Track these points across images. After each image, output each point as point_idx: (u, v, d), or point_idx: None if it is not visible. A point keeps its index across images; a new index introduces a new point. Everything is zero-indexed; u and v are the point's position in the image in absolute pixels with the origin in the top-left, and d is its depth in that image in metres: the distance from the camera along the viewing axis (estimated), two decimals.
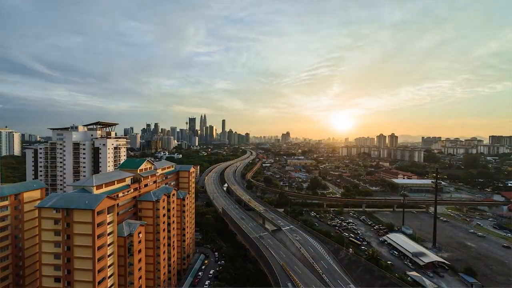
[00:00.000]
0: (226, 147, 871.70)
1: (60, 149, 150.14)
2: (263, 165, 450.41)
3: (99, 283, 58.77)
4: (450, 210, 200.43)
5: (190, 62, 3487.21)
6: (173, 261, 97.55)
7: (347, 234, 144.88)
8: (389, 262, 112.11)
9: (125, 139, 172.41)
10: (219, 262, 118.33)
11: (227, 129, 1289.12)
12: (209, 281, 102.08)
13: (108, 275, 62.57)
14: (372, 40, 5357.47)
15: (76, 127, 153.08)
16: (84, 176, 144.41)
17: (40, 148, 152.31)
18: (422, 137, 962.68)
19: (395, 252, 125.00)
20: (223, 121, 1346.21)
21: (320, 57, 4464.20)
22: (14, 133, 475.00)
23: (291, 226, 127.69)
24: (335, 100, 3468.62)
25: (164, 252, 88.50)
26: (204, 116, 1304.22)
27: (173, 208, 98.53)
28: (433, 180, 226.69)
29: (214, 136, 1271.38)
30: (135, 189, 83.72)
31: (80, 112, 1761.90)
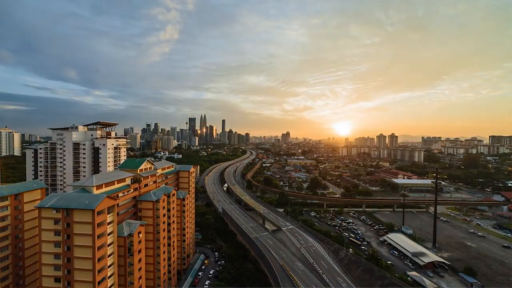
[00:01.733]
0: (226, 147, 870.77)
1: (60, 149, 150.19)
2: (263, 165, 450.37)
3: (99, 283, 58.78)
4: (450, 210, 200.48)
5: (209, 73, 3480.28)
6: (173, 261, 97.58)
7: (347, 234, 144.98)
8: (389, 262, 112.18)
9: (125, 139, 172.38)
10: (219, 262, 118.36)
11: (227, 129, 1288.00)
12: (209, 281, 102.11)
13: (108, 275, 62.58)
14: (380, 55, 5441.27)
15: (76, 127, 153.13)
16: (84, 176, 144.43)
17: (40, 148, 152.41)
18: (422, 137, 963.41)
19: (395, 252, 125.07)
20: (223, 121, 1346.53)
21: (335, 68, 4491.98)
22: (14, 133, 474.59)
23: (291, 226, 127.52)
24: (337, 101, 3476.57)
25: (164, 252, 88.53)
26: (204, 116, 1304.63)
27: (173, 208, 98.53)
28: (433, 180, 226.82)
29: (214, 136, 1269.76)
30: (135, 189, 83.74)
31: (87, 112, 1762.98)
